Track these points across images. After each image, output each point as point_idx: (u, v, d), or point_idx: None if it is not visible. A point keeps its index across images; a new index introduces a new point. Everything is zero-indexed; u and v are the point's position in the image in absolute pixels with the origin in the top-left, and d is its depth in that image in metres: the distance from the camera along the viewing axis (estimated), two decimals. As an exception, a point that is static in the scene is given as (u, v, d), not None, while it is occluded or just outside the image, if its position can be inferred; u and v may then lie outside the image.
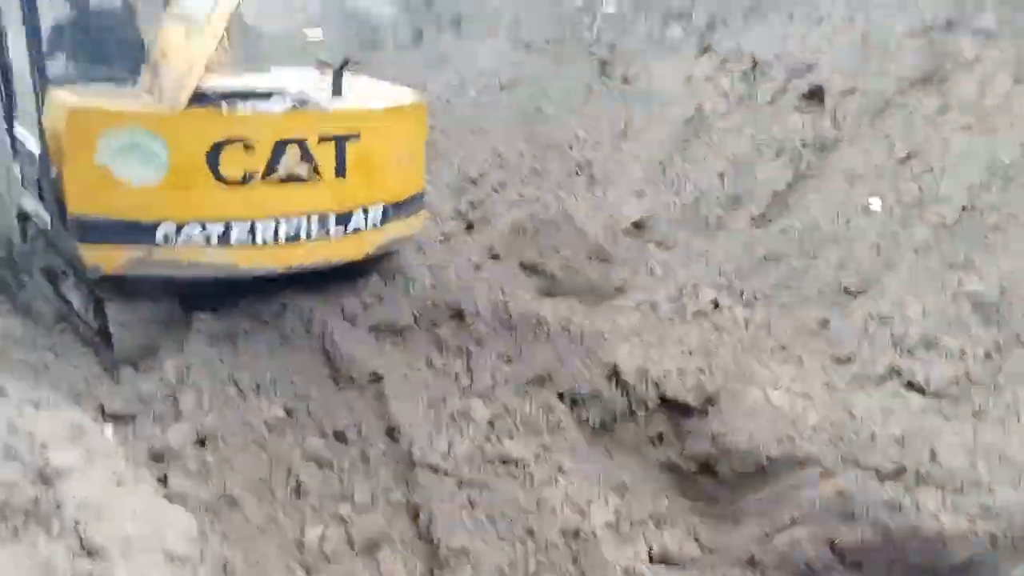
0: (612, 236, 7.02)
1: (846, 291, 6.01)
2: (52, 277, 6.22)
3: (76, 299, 5.83)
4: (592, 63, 9.62)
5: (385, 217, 5.26)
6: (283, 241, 4.89)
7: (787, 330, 5.78)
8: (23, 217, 6.47)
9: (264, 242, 4.85)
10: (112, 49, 5.66)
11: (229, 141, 4.55)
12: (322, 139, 4.76)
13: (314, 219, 4.92)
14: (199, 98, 4.54)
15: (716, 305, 6.12)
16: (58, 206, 4.83)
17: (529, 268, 6.66)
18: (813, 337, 5.70)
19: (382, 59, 10.47)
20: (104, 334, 5.31)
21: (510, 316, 5.77)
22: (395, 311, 5.65)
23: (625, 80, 9.48)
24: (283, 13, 12.57)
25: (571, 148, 8.51)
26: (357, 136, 4.87)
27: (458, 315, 5.79)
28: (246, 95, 4.73)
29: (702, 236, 7.12)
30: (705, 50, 8.97)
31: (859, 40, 7.62)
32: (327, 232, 5.01)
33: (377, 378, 5.07)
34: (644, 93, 9.16)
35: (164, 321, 5.26)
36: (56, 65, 5.35)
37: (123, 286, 4.97)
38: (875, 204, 6.51)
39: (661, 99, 8.84)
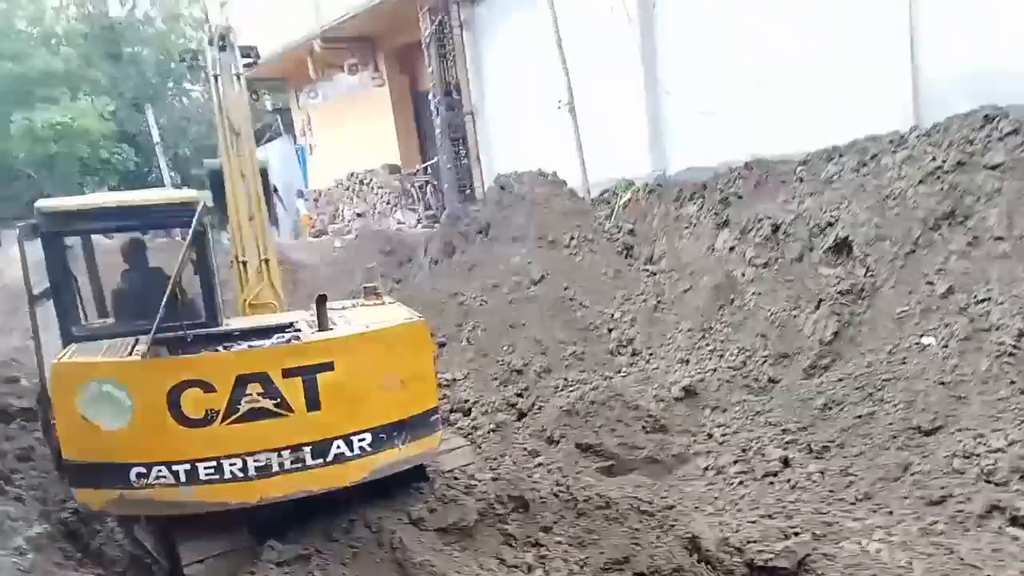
0: (665, 406, 6.90)
1: (920, 431, 5.76)
2: (125, 520, 6.19)
3: (149, 541, 5.75)
4: (616, 249, 9.94)
5: (379, 442, 5.08)
6: (254, 475, 4.79)
7: (867, 478, 5.48)
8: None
9: (234, 477, 4.76)
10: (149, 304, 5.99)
11: (188, 383, 4.64)
12: (287, 373, 4.73)
13: (286, 452, 4.81)
14: (205, 338, 4.80)
15: (786, 462, 5.87)
16: (54, 452, 5.01)
17: (586, 448, 6.51)
18: (897, 482, 5.40)
19: (417, 273, 10.92)
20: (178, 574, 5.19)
21: (575, 499, 5.56)
22: (460, 510, 5.48)
23: (650, 259, 9.76)
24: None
25: (609, 330, 8.59)
26: (329, 366, 4.81)
27: (523, 505, 5.59)
28: (251, 333, 4.91)
29: (756, 395, 6.98)
30: (724, 223, 9.29)
31: (874, 192, 7.86)
32: (303, 464, 4.87)
33: (450, 582, 4.81)
34: (670, 270, 9.39)
35: (236, 552, 5.14)
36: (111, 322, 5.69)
37: (196, 522, 4.94)
38: (929, 340, 6.40)
39: (688, 272, 9.05)
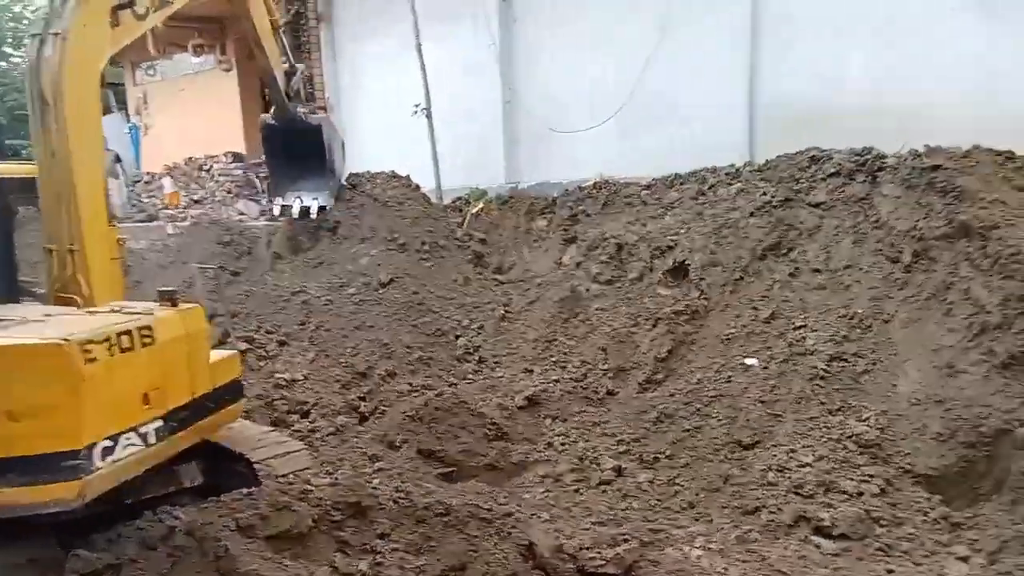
0: (508, 414, 7.01)
1: (740, 444, 6.18)
2: None
3: None
4: (466, 257, 10.01)
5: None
6: None
7: (692, 488, 5.82)
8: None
9: None
10: None
11: None
12: None
13: None
14: None
15: (619, 471, 6.12)
16: None
17: (428, 455, 6.49)
18: (718, 492, 5.76)
19: (258, 267, 10.49)
20: None
21: (415, 506, 5.52)
22: (293, 517, 5.30)
23: (499, 269, 9.90)
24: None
25: (456, 336, 8.63)
26: None
27: (360, 511, 5.49)
28: None
29: (595, 406, 7.24)
30: (572, 239, 9.58)
31: (710, 220, 8.37)
32: None
33: (278, 590, 4.65)
34: (519, 280, 9.57)
35: (40, 562, 4.71)
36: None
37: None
38: (752, 361, 6.88)
39: (536, 284, 9.26)
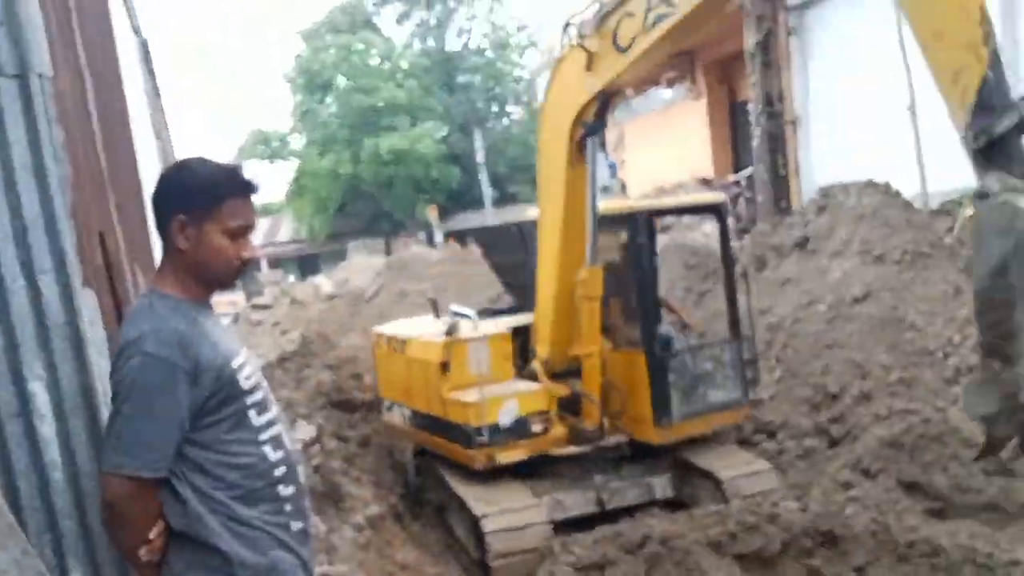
0: (1011, 446, 5.96)
1: None
2: (440, 509, 6.85)
3: (461, 531, 6.28)
4: (957, 265, 8.83)
5: None
6: None
7: None
8: (420, 453, 7.31)
9: None
10: None
11: None
12: None
13: None
14: None
15: None
16: None
17: (910, 486, 5.83)
18: None
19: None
20: (484, 566, 5.60)
21: (895, 541, 5.02)
22: (763, 538, 5.21)
23: (999, 278, 8.52)
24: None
25: (945, 355, 7.64)
26: None
27: (832, 540, 5.17)
28: None
29: None
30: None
31: None
32: None
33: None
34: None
35: (538, 550, 5.45)
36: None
37: None
38: None
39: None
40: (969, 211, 9.64)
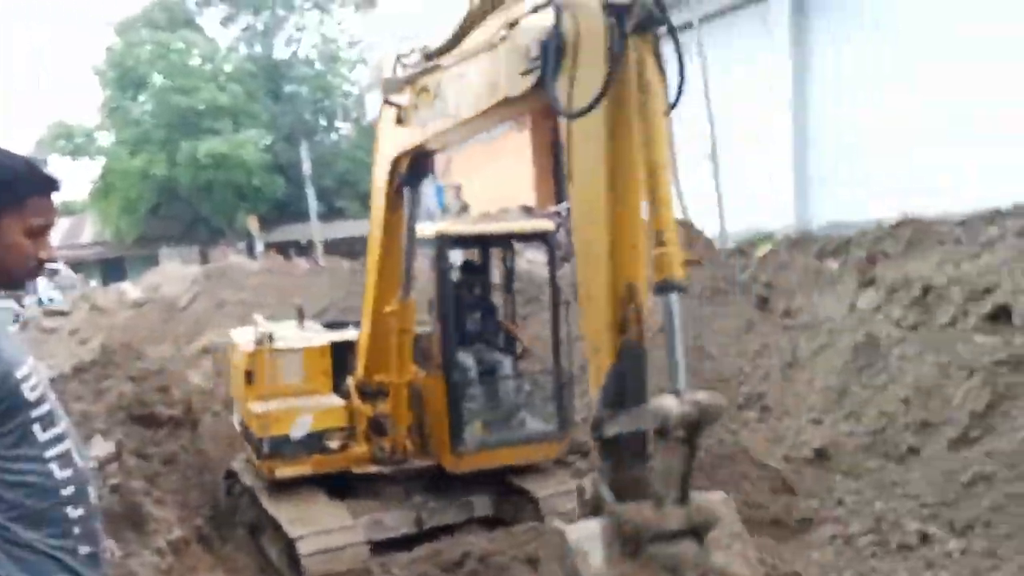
0: (794, 467, 6.61)
1: (1079, 518, 5.26)
2: (252, 531, 6.57)
3: (274, 553, 6.07)
4: (750, 301, 9.68)
5: None
6: None
7: (1016, 560, 5.04)
8: (230, 475, 7.01)
9: None
10: None
11: None
12: None
13: None
14: None
15: (924, 538, 5.49)
16: None
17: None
18: (1051, 571, 4.94)
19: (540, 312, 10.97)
20: None
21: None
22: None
23: (786, 313, 9.44)
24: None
25: (739, 383, 8.34)
26: None
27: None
28: None
29: (894, 463, 6.57)
30: (869, 282, 8.88)
31: (1038, 258, 7.34)
32: None
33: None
34: (807, 326, 9.04)
35: (354, 571, 5.36)
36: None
37: None
38: (1094, 421, 5.86)
39: (826, 330, 8.68)
40: (761, 251, 10.67)
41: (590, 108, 2.89)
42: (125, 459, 6.33)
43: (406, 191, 5.79)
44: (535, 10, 3.40)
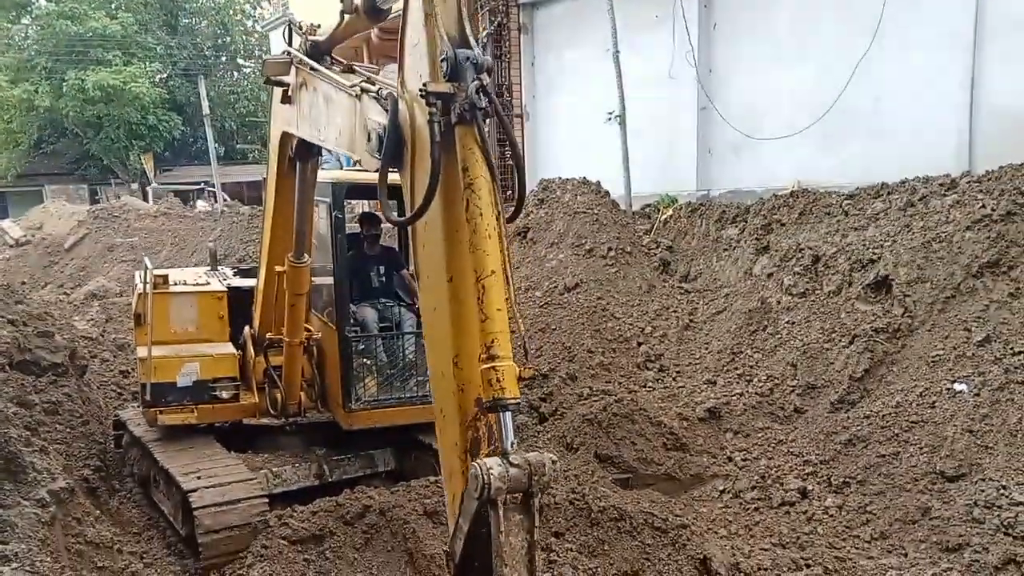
0: (687, 425, 6.88)
1: (943, 476, 5.69)
2: (143, 484, 6.34)
3: (168, 506, 5.88)
4: (653, 264, 9.92)
5: None
6: None
7: (885, 518, 5.44)
8: (119, 425, 6.72)
9: None
10: None
11: None
12: None
13: None
14: None
15: (804, 493, 5.84)
16: None
17: (604, 459, 6.51)
18: (915, 525, 5.34)
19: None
20: (191, 541, 5.30)
21: (590, 508, 5.57)
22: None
23: (685, 277, 9.73)
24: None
25: (639, 343, 8.57)
26: None
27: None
28: None
29: (780, 423, 6.94)
30: (764, 249, 9.23)
31: (919, 233, 7.77)
32: None
33: None
34: (705, 289, 9.36)
35: (251, 524, 5.23)
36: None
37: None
38: (961, 387, 6.32)
39: (723, 294, 9.01)
40: (664, 215, 10.92)
41: (418, 215, 2.71)
42: (3, 407, 6.01)
43: (298, 163, 5.51)
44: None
